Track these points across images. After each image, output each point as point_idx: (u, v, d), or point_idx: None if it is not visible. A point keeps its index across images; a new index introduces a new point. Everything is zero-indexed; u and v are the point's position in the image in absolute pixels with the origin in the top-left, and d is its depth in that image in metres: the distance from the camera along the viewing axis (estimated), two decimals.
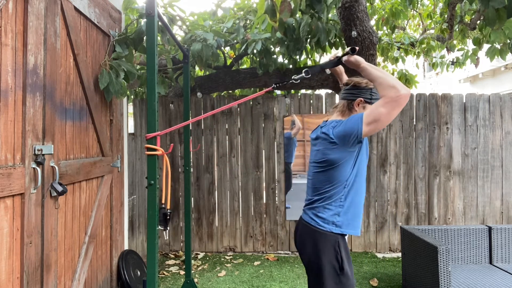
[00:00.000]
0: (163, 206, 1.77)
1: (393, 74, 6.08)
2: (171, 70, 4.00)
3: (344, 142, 1.57)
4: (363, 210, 1.74)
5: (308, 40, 3.62)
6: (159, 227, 1.72)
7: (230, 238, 4.28)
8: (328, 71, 4.08)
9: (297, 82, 1.78)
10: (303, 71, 1.74)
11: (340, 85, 2.01)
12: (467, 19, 4.79)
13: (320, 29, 3.23)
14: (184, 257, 4.00)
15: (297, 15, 3.37)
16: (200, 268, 3.78)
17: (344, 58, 1.67)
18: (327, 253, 1.59)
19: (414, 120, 4.22)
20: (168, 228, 1.78)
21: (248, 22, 4.09)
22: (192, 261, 3.96)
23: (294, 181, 4.19)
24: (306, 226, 1.69)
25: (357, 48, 1.64)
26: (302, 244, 1.70)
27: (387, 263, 3.82)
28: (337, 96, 4.27)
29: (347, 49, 1.66)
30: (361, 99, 1.69)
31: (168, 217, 1.77)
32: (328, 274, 1.57)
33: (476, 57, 4.90)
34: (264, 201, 4.29)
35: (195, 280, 3.44)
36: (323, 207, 1.65)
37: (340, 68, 1.98)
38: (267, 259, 4.02)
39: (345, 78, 2.00)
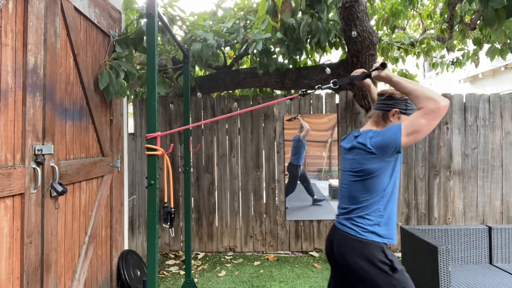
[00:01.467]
0: (165, 205, 1.81)
1: None
2: (171, 70, 4.00)
3: (383, 153, 1.58)
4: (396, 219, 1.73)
5: (308, 40, 3.62)
6: (164, 225, 1.75)
7: (230, 238, 4.28)
8: (328, 70, 4.08)
9: (323, 89, 1.78)
10: (331, 81, 1.73)
11: (369, 98, 2.00)
12: (467, 19, 4.78)
13: (320, 29, 3.23)
14: (184, 257, 4.00)
15: (298, 15, 3.37)
16: (200, 268, 3.78)
17: (374, 73, 1.67)
18: (375, 260, 1.58)
19: None
20: (172, 226, 1.81)
21: (248, 22, 4.09)
22: (192, 261, 3.96)
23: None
24: (346, 236, 1.66)
25: (387, 63, 1.64)
26: (342, 255, 1.67)
27: None
28: (337, 96, 4.27)
29: (377, 64, 1.65)
30: (396, 109, 1.69)
31: (172, 215, 1.80)
32: (382, 279, 1.56)
33: (476, 57, 4.90)
34: (264, 201, 4.29)
35: (195, 280, 3.44)
36: (361, 216, 1.64)
37: (368, 80, 1.98)
38: (267, 259, 4.02)
39: (373, 89, 1.99)
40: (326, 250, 1.81)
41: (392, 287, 1.55)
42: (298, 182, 4.19)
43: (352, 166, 1.70)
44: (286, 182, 4.22)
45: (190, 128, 3.58)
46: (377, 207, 1.63)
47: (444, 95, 4.22)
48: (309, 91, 1.81)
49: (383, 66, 1.63)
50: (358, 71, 1.84)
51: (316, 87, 1.76)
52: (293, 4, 2.56)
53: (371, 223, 1.63)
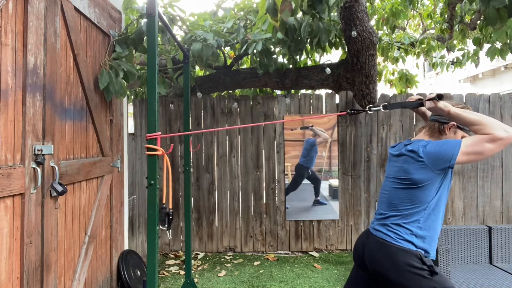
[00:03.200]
0: (164, 206, 1.78)
1: (393, 74, 6.08)
2: (171, 70, 4.00)
3: (434, 164, 1.54)
4: (439, 234, 1.68)
5: (309, 40, 3.62)
6: (162, 227, 1.72)
7: (230, 238, 4.28)
8: (328, 70, 4.09)
9: (371, 112, 1.74)
10: (381, 105, 1.71)
11: (423, 117, 1.93)
12: (467, 19, 4.79)
13: (321, 29, 3.22)
14: (184, 257, 4.00)
15: (299, 15, 3.37)
16: (200, 268, 3.78)
17: (428, 103, 1.61)
18: (410, 267, 1.54)
19: (414, 120, 4.22)
20: (170, 228, 1.78)
21: (248, 22, 4.09)
22: (192, 261, 3.96)
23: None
24: (381, 243, 1.63)
25: (443, 94, 1.58)
26: (375, 263, 1.63)
27: None
28: (337, 96, 4.27)
29: (433, 94, 1.59)
30: (454, 123, 1.64)
31: (170, 217, 1.77)
32: (422, 284, 1.53)
33: (477, 57, 4.90)
34: (264, 201, 4.29)
35: (195, 280, 3.44)
36: (398, 224, 1.61)
37: (423, 108, 1.90)
38: (267, 259, 4.02)
39: (428, 114, 1.92)
40: (355, 253, 1.78)
41: None
42: (307, 181, 4.19)
43: (398, 173, 1.67)
44: (286, 182, 4.22)
45: (190, 129, 3.57)
46: (416, 218, 1.59)
47: (444, 95, 4.21)
48: (357, 111, 1.76)
49: (440, 97, 1.56)
50: (412, 98, 1.78)
51: (367, 107, 1.72)
52: (293, 4, 2.56)
53: (408, 233, 1.59)
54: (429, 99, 1.60)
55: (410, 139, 1.75)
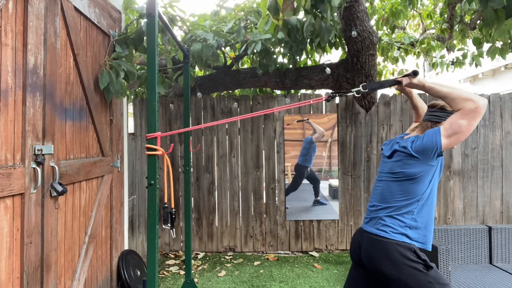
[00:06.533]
0: (165, 205, 1.79)
1: (393, 74, 6.08)
2: (171, 70, 4.00)
3: (425, 156, 1.58)
4: (434, 224, 1.70)
5: (311, 40, 3.61)
6: (165, 226, 1.74)
7: (230, 238, 4.28)
8: (328, 70, 4.09)
9: (351, 94, 1.76)
10: (361, 85, 1.73)
11: (411, 105, 1.96)
12: (467, 19, 4.79)
13: (324, 29, 3.22)
14: (184, 257, 4.00)
15: (300, 15, 3.36)
16: (200, 268, 3.78)
17: (405, 80, 1.67)
18: (406, 261, 1.56)
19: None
20: (174, 227, 1.79)
21: (248, 22, 4.09)
22: (192, 261, 3.96)
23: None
24: (375, 239, 1.64)
25: (418, 70, 1.63)
26: (372, 261, 1.64)
27: None
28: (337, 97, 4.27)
29: (409, 71, 1.64)
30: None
31: (173, 216, 1.79)
32: (417, 278, 1.54)
33: (480, 58, 4.88)
34: (264, 201, 4.29)
35: (195, 280, 3.44)
36: (392, 216, 1.63)
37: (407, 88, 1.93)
38: (267, 259, 4.03)
39: (416, 96, 1.95)
40: (352, 251, 1.79)
41: (428, 285, 1.53)
42: (307, 181, 4.19)
43: (392, 169, 1.70)
44: (286, 182, 4.23)
45: (190, 127, 3.57)
46: (410, 209, 1.61)
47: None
48: (336, 95, 1.77)
49: (415, 73, 1.61)
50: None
51: (350, 90, 1.73)
52: (295, 4, 2.56)
53: (402, 225, 1.61)
54: (405, 75, 1.67)
55: (402, 137, 1.78)
